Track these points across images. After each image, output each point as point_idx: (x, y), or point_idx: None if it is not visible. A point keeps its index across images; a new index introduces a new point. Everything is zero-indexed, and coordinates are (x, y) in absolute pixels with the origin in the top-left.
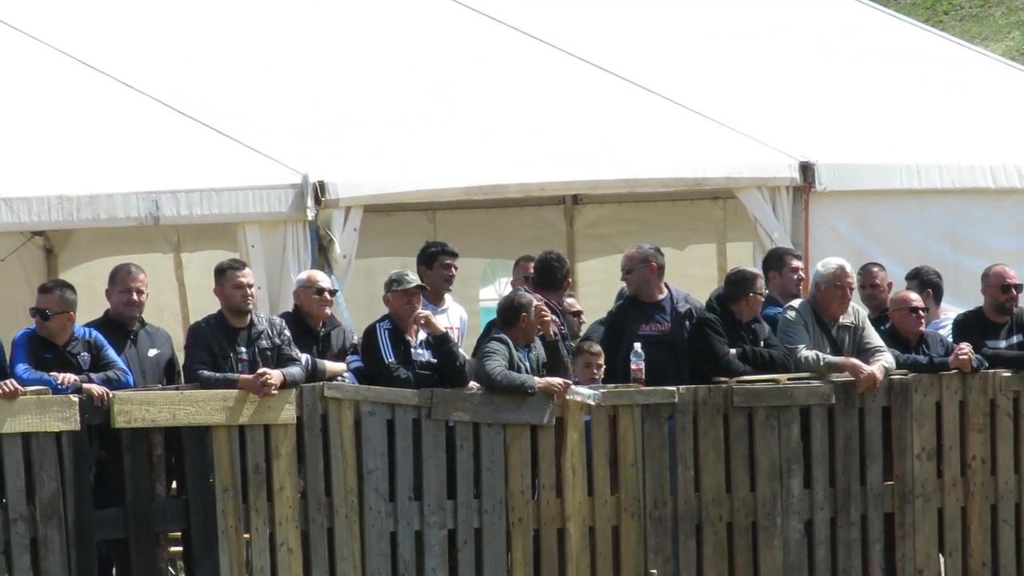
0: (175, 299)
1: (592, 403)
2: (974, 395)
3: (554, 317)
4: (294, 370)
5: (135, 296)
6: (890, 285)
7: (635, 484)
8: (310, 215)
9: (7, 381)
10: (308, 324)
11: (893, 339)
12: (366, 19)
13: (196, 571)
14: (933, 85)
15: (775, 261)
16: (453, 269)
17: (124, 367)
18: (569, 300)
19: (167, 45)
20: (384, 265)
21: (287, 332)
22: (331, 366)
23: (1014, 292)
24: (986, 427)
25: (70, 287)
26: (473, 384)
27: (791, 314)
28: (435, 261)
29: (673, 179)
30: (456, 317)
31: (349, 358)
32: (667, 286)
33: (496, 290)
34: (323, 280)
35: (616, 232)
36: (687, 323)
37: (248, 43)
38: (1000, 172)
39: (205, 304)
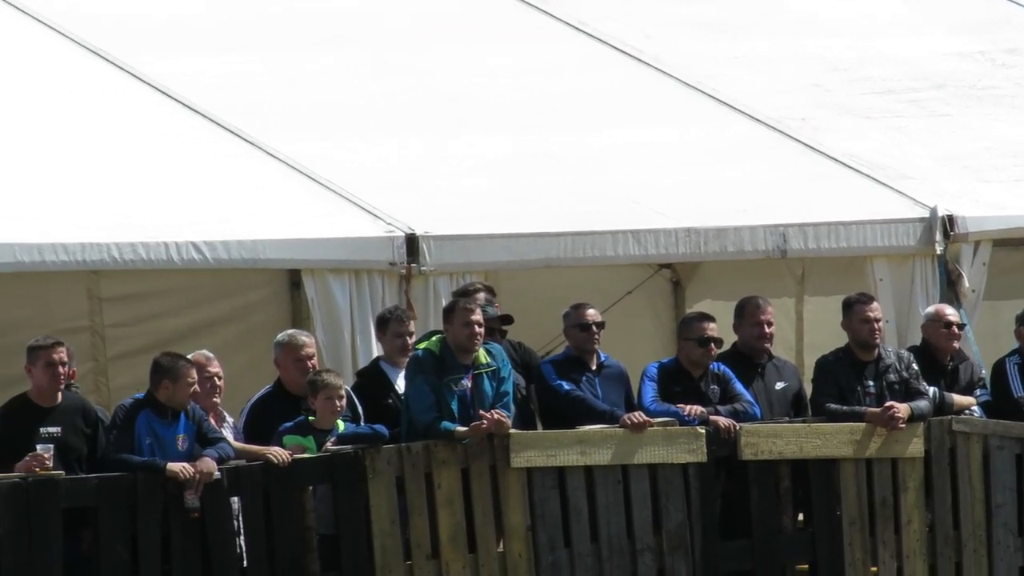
0: (791, 333)
1: None
2: None
3: None
4: (922, 404)
5: (765, 329)
6: None
7: None
8: (938, 249)
9: (636, 413)
10: (935, 358)
11: None
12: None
13: None
14: None
15: None
16: None
17: (751, 399)
18: None
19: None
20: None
21: (915, 366)
22: (959, 399)
23: None
24: None
25: None
26: None
27: None
28: None
29: None
30: None
31: (977, 392)
32: None
33: None
34: (951, 314)
35: None
36: None
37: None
38: None
39: (820, 339)
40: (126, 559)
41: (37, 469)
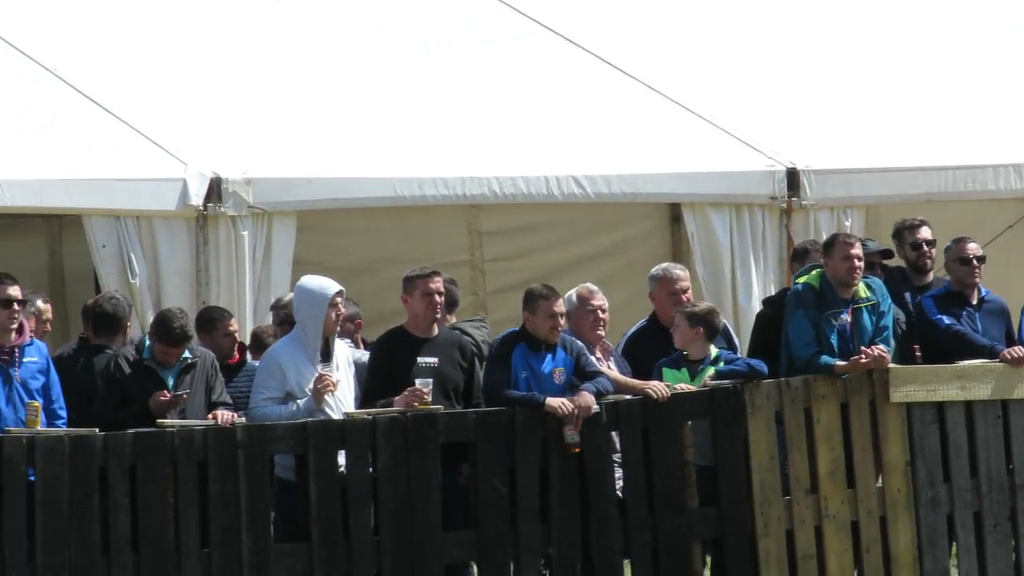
0: None
1: None
2: None
3: None
4: None
5: None
6: None
7: None
8: None
9: (1016, 348)
10: None
11: None
12: None
13: None
14: None
15: None
16: None
17: None
18: None
19: None
20: None
21: None
22: None
23: None
24: None
25: None
26: None
27: None
28: None
29: None
30: None
31: None
32: None
33: None
34: None
35: None
36: None
37: None
38: None
39: None
40: (504, 493)
41: (416, 404)
